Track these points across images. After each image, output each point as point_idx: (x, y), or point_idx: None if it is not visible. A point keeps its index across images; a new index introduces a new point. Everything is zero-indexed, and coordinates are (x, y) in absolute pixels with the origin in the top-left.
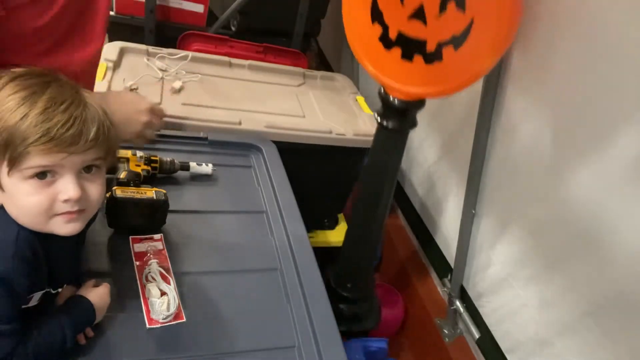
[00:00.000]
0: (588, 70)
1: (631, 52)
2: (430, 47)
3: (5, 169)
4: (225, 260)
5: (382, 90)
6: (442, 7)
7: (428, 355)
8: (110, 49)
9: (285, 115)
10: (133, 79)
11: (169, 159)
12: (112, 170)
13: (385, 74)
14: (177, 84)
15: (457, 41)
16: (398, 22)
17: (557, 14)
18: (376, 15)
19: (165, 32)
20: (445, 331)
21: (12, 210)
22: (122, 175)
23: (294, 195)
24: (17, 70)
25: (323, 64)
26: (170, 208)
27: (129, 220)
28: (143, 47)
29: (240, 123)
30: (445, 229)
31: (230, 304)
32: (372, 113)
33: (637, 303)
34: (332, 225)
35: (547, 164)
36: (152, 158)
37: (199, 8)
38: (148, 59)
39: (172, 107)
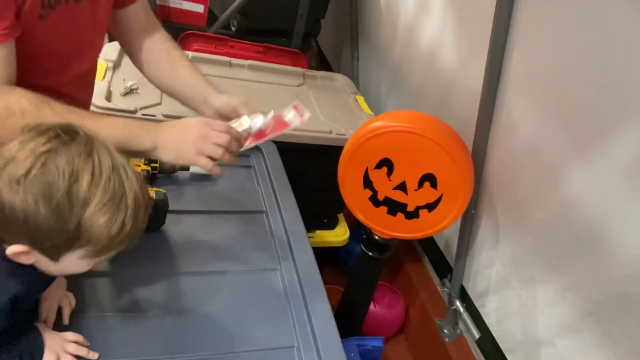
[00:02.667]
0: (588, 70)
1: (632, 50)
2: (410, 208)
3: (75, 254)
4: (225, 260)
5: (368, 230)
6: (420, 185)
7: (428, 355)
8: (110, 49)
9: None
10: (133, 79)
11: None
12: None
13: (373, 223)
14: None
15: (430, 206)
16: (385, 190)
17: (557, 13)
18: (367, 184)
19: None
20: (445, 331)
21: (51, 270)
22: None
23: (294, 195)
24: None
25: (323, 64)
26: (170, 208)
27: None
28: None
29: None
30: (445, 229)
31: (230, 304)
32: (372, 113)
33: (637, 303)
34: (332, 225)
35: (547, 164)
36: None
37: (199, 8)
38: None
39: (172, 107)
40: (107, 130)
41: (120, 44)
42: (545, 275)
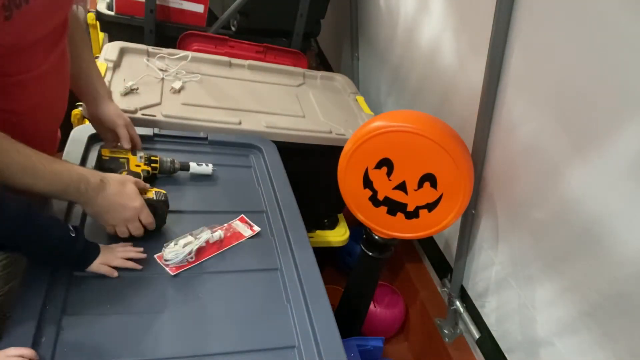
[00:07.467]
0: (588, 69)
1: (632, 50)
2: (410, 208)
3: None
4: (224, 260)
5: (368, 230)
6: (420, 185)
7: (428, 355)
8: (110, 49)
9: (285, 115)
10: (133, 79)
11: (169, 159)
12: (113, 170)
13: (373, 222)
14: (177, 84)
15: (430, 206)
16: (385, 190)
17: (557, 13)
18: (367, 184)
19: (165, 32)
20: (445, 331)
21: None
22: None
23: (294, 195)
24: None
25: (323, 64)
26: (170, 208)
27: None
28: (143, 47)
29: (240, 123)
30: (446, 229)
31: (230, 303)
32: (372, 113)
33: (637, 303)
34: (332, 225)
35: (547, 164)
36: (152, 158)
37: (199, 8)
38: (148, 59)
39: (172, 107)
40: (48, 182)
41: None
42: (544, 275)
